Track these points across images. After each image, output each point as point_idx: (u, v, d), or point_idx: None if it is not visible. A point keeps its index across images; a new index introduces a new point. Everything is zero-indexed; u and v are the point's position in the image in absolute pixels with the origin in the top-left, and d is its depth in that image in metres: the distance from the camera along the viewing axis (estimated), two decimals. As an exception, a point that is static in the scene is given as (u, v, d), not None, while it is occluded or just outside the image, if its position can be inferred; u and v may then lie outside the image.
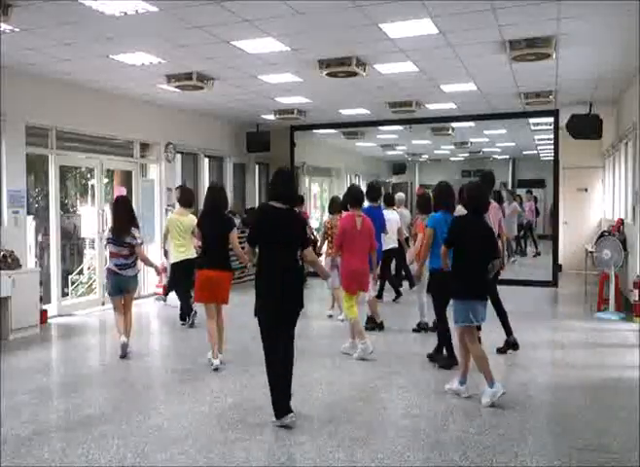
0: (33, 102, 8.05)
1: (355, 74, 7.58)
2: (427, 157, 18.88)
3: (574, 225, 12.56)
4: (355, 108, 11.08)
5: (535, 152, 16.86)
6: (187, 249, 7.71)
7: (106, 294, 6.69)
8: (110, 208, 6.70)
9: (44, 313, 7.92)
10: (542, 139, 14.08)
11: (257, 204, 13.20)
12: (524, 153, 18.14)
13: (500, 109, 11.15)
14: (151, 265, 6.78)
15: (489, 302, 5.33)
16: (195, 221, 6.97)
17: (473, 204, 4.96)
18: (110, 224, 6.53)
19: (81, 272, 9.85)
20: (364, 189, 7.46)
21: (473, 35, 6.48)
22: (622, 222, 9.41)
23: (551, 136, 11.32)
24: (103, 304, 9.22)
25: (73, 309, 8.83)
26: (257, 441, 4.08)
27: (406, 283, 9.78)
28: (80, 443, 4.06)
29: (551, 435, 4.25)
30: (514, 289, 10.78)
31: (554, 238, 11.37)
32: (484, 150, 17.88)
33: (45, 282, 8.27)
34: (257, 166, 13.88)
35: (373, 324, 7.38)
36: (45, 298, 8.17)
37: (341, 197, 7.71)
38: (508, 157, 18.56)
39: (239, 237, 6.22)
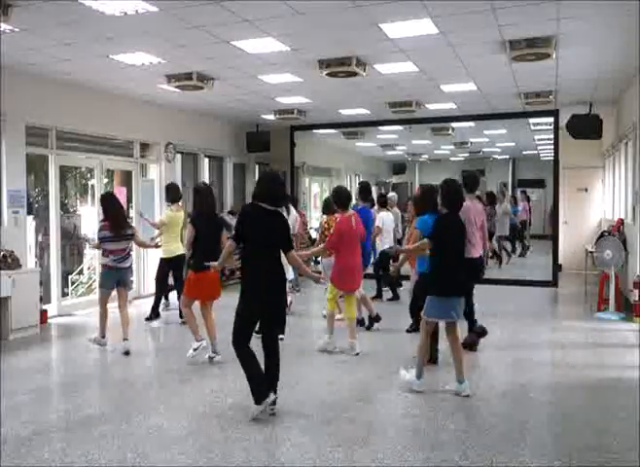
0: (33, 102, 8.05)
1: (355, 74, 7.58)
2: (427, 157, 18.87)
3: (574, 225, 12.55)
4: (355, 108, 11.08)
5: (535, 152, 16.86)
6: (179, 245, 7.88)
7: (98, 289, 6.73)
8: (102, 206, 6.61)
9: (44, 313, 7.92)
10: (542, 139, 14.08)
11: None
12: (524, 153, 18.14)
13: (500, 109, 11.15)
14: (148, 246, 7.24)
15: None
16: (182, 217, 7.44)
17: (448, 202, 5.09)
18: (104, 222, 6.49)
19: (81, 272, 9.86)
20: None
21: (473, 35, 6.48)
22: (622, 222, 9.41)
23: (551, 136, 11.31)
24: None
25: (73, 309, 8.83)
26: (257, 441, 4.08)
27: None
28: (80, 443, 4.06)
29: (550, 435, 4.25)
30: (513, 289, 10.82)
31: (554, 238, 11.37)
32: (484, 150, 17.88)
33: (45, 282, 8.27)
34: (257, 166, 13.87)
35: (374, 321, 7.44)
36: (45, 298, 8.17)
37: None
38: (508, 157, 18.55)
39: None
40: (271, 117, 11.67)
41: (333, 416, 4.56)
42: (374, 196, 9.94)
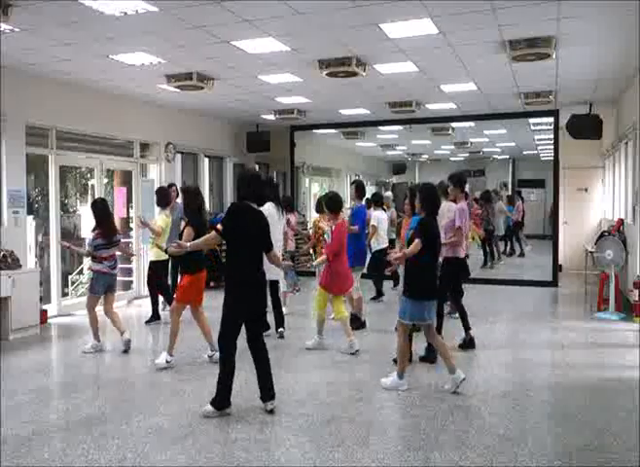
0: (33, 102, 8.05)
1: (355, 74, 7.58)
2: (427, 157, 18.86)
3: (574, 225, 12.55)
4: (355, 108, 11.08)
5: (535, 152, 16.86)
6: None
7: (88, 293, 6.68)
8: (95, 213, 6.57)
9: (44, 313, 7.92)
10: (542, 139, 14.08)
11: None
12: (524, 153, 18.14)
13: (500, 109, 11.16)
14: (129, 253, 7.52)
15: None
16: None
17: (429, 206, 5.13)
18: (99, 230, 6.46)
19: (81, 272, 9.85)
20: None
21: (473, 35, 6.48)
22: (622, 222, 9.40)
23: (551, 136, 11.32)
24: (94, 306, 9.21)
25: (73, 309, 8.82)
26: (257, 441, 4.08)
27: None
28: (80, 443, 4.06)
29: (550, 435, 4.25)
30: (513, 289, 10.83)
31: (554, 238, 11.38)
32: (484, 150, 17.87)
33: (45, 282, 8.27)
34: (257, 166, 13.87)
35: (358, 323, 7.44)
36: (45, 298, 8.18)
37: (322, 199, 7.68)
38: (508, 157, 18.55)
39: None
40: (271, 117, 11.67)
41: (333, 416, 4.57)
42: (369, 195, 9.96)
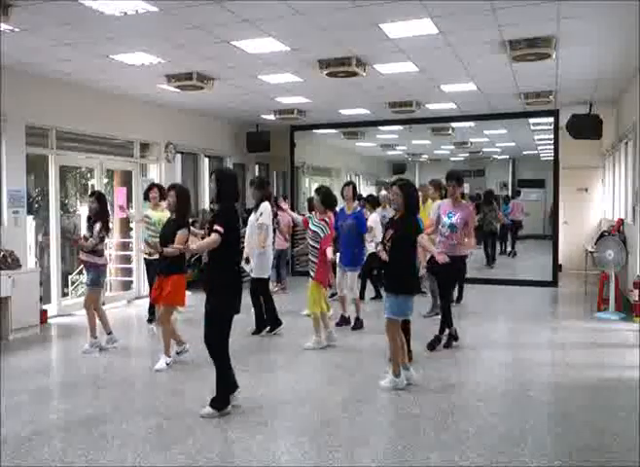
0: (33, 102, 8.05)
1: (355, 74, 7.58)
2: (427, 157, 18.86)
3: (574, 225, 12.55)
4: (355, 108, 11.08)
5: (535, 152, 16.86)
6: None
7: (90, 288, 6.59)
8: (100, 205, 6.52)
9: (44, 313, 7.92)
10: (542, 139, 14.08)
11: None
12: (524, 153, 18.14)
13: (500, 109, 11.15)
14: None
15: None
16: None
17: (411, 204, 5.18)
18: (101, 222, 6.44)
19: (81, 272, 9.84)
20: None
21: (473, 35, 6.48)
22: (622, 222, 9.41)
23: (551, 136, 11.32)
24: (104, 303, 9.19)
25: (73, 309, 8.81)
26: (257, 441, 4.08)
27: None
28: (80, 443, 4.06)
29: (550, 435, 4.25)
30: (513, 289, 10.82)
31: (554, 238, 11.38)
32: (484, 150, 17.87)
33: (45, 282, 8.26)
34: (257, 166, 13.88)
35: (358, 323, 7.55)
36: (45, 298, 8.17)
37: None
38: (508, 157, 18.55)
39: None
40: (271, 117, 11.67)
41: (333, 416, 4.57)
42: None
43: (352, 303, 7.61)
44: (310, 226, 6.65)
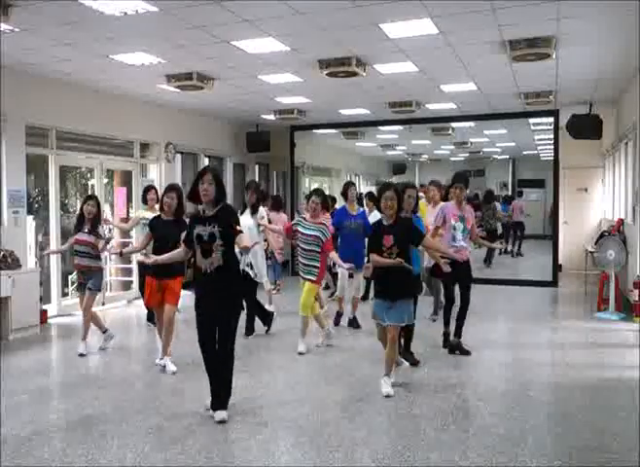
0: (33, 102, 8.05)
1: (355, 74, 7.58)
2: (427, 157, 18.85)
3: (574, 225, 12.55)
4: (355, 108, 11.08)
5: (535, 152, 16.85)
6: None
7: (93, 292, 6.52)
8: (98, 206, 6.50)
9: (44, 313, 7.92)
10: (542, 139, 14.07)
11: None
12: (524, 153, 18.13)
13: (500, 109, 11.15)
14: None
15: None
16: None
17: (401, 208, 5.12)
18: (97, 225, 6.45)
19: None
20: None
21: (473, 35, 6.48)
22: (622, 222, 9.41)
23: (551, 136, 11.32)
24: (103, 303, 9.22)
25: (73, 309, 8.79)
26: (257, 441, 4.08)
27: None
28: (80, 443, 4.06)
29: (550, 435, 4.25)
30: (513, 289, 10.83)
31: (554, 238, 11.38)
32: (484, 150, 17.86)
33: (45, 282, 8.26)
34: (257, 166, 13.88)
35: (355, 323, 7.58)
36: (45, 298, 8.17)
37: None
38: (508, 157, 18.54)
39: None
40: (271, 117, 11.67)
41: (332, 416, 4.57)
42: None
43: (351, 301, 7.61)
44: (303, 230, 6.41)
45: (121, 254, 6.38)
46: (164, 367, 5.74)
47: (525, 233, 15.03)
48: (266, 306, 8.13)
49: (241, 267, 6.73)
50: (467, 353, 6.21)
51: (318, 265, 6.44)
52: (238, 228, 4.39)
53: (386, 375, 5.05)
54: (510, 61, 7.18)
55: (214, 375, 4.54)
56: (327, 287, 9.68)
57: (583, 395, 5.11)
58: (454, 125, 13.11)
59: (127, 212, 10.06)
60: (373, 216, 8.63)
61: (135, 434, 4.22)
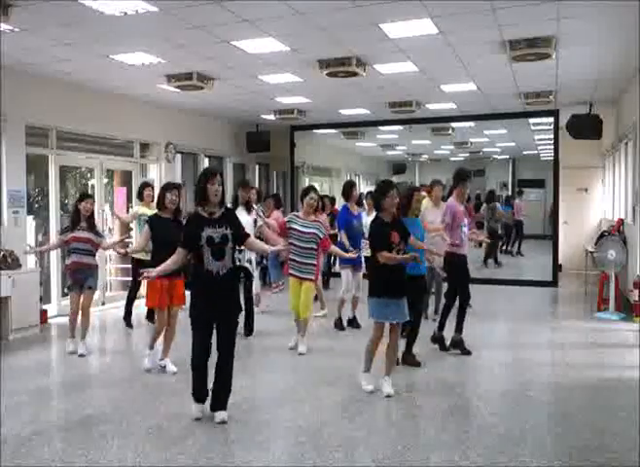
0: (33, 102, 8.05)
1: (355, 74, 7.58)
2: (427, 157, 18.85)
3: (574, 225, 12.55)
4: (355, 108, 11.08)
5: (535, 152, 16.84)
6: None
7: (92, 291, 6.55)
8: (93, 207, 6.51)
9: (44, 313, 7.92)
10: (542, 139, 14.07)
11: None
12: (524, 153, 18.12)
13: (500, 109, 11.16)
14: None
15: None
16: None
17: (375, 204, 5.19)
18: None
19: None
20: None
21: (473, 35, 6.48)
22: (622, 222, 9.41)
23: (551, 136, 11.32)
24: (103, 303, 9.23)
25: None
26: (256, 441, 4.08)
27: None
28: (80, 443, 4.06)
29: (550, 435, 4.25)
30: (513, 289, 10.83)
31: (554, 238, 11.38)
32: (484, 150, 17.86)
33: (45, 282, 8.27)
34: (257, 166, 13.88)
35: (355, 323, 7.56)
36: (45, 298, 8.17)
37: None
38: (508, 157, 18.53)
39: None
40: (271, 117, 11.68)
41: (332, 416, 4.57)
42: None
43: (351, 301, 7.59)
44: (299, 228, 6.26)
45: (125, 254, 6.39)
46: (164, 367, 5.73)
47: (525, 233, 15.02)
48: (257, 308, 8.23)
49: (243, 263, 6.76)
50: (467, 353, 6.21)
51: (315, 262, 6.40)
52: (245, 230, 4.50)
53: (387, 375, 5.04)
54: (510, 61, 7.17)
55: (220, 376, 4.47)
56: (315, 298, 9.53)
57: (583, 395, 5.11)
58: (454, 125, 13.11)
59: (127, 212, 10.06)
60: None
61: (135, 434, 4.21)
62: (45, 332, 7.64)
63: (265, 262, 8.79)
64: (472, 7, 5.57)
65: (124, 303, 9.69)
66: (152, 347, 5.83)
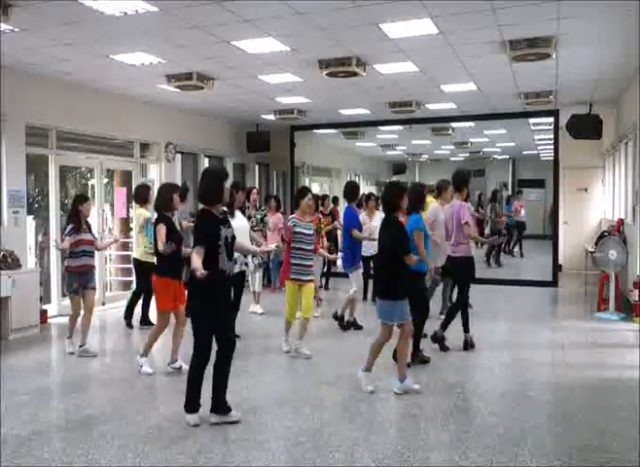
0: (33, 102, 8.05)
1: (355, 74, 7.58)
2: (427, 157, 18.85)
3: (574, 225, 12.55)
4: (355, 108, 11.08)
5: (535, 152, 16.85)
6: None
7: (94, 291, 6.57)
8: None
9: (44, 313, 7.92)
10: (542, 139, 14.07)
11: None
12: (524, 153, 18.13)
13: (500, 109, 11.16)
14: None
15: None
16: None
17: (383, 204, 5.20)
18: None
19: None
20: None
21: (473, 35, 6.48)
22: (622, 222, 9.41)
23: (551, 136, 11.32)
24: (103, 303, 9.23)
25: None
26: (257, 441, 4.08)
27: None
28: (80, 443, 4.06)
29: (550, 435, 4.25)
30: (513, 289, 10.82)
31: (554, 238, 11.38)
32: (484, 150, 17.87)
33: (45, 282, 8.27)
34: (257, 166, 13.88)
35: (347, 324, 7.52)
36: (45, 298, 8.17)
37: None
38: (508, 157, 18.54)
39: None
40: (271, 117, 11.68)
41: (332, 416, 4.57)
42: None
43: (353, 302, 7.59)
44: (303, 230, 6.17)
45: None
46: (180, 368, 5.62)
47: (525, 234, 15.02)
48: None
49: (241, 266, 6.74)
50: (445, 349, 6.30)
51: (313, 263, 6.40)
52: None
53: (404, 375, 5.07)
54: (510, 61, 7.17)
55: (222, 376, 4.44)
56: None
57: (583, 395, 5.11)
58: (454, 125, 13.11)
59: (127, 212, 10.07)
60: (378, 217, 8.51)
61: (135, 434, 4.21)
62: (45, 332, 7.64)
63: (267, 262, 8.82)
64: (472, 7, 5.57)
65: (124, 303, 9.71)
66: (147, 354, 5.74)
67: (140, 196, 7.65)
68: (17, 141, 7.85)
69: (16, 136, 7.82)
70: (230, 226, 4.43)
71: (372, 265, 8.42)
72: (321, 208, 9.83)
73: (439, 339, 6.40)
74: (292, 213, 6.61)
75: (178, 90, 8.72)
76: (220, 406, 4.42)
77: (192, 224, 6.50)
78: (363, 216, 8.73)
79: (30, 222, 8.48)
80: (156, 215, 5.82)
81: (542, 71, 8.01)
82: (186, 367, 5.57)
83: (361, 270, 7.56)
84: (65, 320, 8.30)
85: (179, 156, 11.26)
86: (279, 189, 14.45)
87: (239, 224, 6.04)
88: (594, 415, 4.60)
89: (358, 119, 12.28)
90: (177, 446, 4.00)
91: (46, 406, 4.96)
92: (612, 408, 4.80)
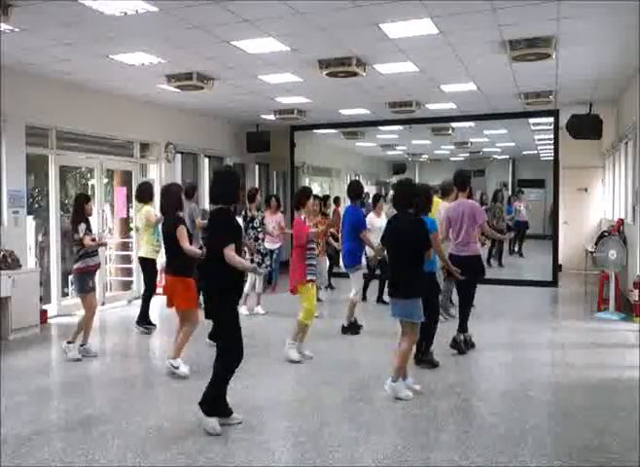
0: (33, 102, 8.05)
1: (355, 74, 7.58)
2: (427, 157, 18.86)
3: (574, 225, 12.55)
4: (355, 108, 11.08)
5: (535, 152, 16.85)
6: None
7: (95, 294, 6.52)
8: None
9: (44, 313, 7.92)
10: (542, 139, 14.07)
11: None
12: (524, 153, 18.14)
13: (500, 109, 11.15)
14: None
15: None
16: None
17: (397, 202, 5.12)
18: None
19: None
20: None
21: (473, 35, 6.48)
22: (622, 222, 9.41)
23: (551, 136, 11.32)
24: (103, 303, 9.22)
25: (73, 309, 8.80)
26: (257, 441, 4.08)
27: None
28: (80, 443, 4.06)
29: (550, 435, 4.25)
30: (513, 289, 10.82)
31: (554, 238, 11.38)
32: (484, 150, 17.87)
33: (45, 282, 8.27)
34: (257, 166, 13.88)
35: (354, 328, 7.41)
36: (45, 298, 8.17)
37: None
38: (508, 157, 18.54)
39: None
40: (271, 117, 11.68)
41: (332, 417, 4.57)
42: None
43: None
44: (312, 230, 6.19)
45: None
46: (178, 368, 5.61)
47: (526, 233, 15.01)
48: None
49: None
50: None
51: (315, 263, 6.37)
52: None
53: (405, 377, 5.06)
54: (510, 61, 7.17)
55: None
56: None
57: (583, 395, 5.11)
58: (454, 125, 13.11)
59: (127, 212, 10.07)
60: (384, 218, 8.47)
61: (135, 434, 4.22)
62: (45, 332, 7.64)
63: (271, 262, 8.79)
64: (472, 7, 5.57)
65: (124, 303, 9.72)
66: (179, 355, 5.65)
67: (145, 193, 7.69)
68: (17, 141, 7.84)
69: (16, 136, 7.82)
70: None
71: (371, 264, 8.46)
72: (323, 209, 9.83)
73: (463, 341, 6.30)
74: (292, 213, 6.58)
75: (178, 90, 8.72)
76: (221, 408, 4.42)
77: (205, 221, 6.54)
78: (371, 216, 8.73)
79: (30, 222, 8.48)
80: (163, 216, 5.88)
81: (542, 71, 8.00)
82: (185, 370, 5.61)
83: (362, 271, 7.54)
84: (65, 320, 8.36)
85: (179, 156, 11.26)
86: (279, 189, 14.45)
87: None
88: (594, 415, 4.60)
89: (358, 119, 12.28)
90: (177, 446, 4.00)
91: (46, 406, 4.96)
92: (612, 408, 4.80)
